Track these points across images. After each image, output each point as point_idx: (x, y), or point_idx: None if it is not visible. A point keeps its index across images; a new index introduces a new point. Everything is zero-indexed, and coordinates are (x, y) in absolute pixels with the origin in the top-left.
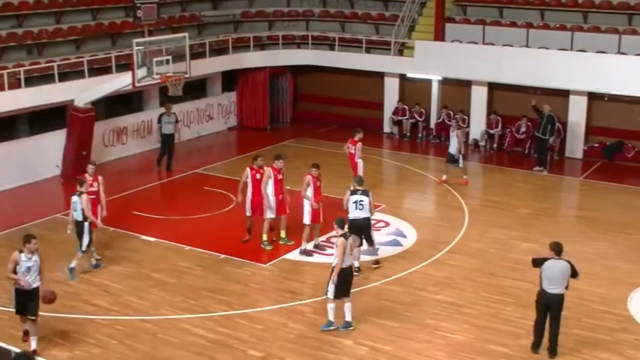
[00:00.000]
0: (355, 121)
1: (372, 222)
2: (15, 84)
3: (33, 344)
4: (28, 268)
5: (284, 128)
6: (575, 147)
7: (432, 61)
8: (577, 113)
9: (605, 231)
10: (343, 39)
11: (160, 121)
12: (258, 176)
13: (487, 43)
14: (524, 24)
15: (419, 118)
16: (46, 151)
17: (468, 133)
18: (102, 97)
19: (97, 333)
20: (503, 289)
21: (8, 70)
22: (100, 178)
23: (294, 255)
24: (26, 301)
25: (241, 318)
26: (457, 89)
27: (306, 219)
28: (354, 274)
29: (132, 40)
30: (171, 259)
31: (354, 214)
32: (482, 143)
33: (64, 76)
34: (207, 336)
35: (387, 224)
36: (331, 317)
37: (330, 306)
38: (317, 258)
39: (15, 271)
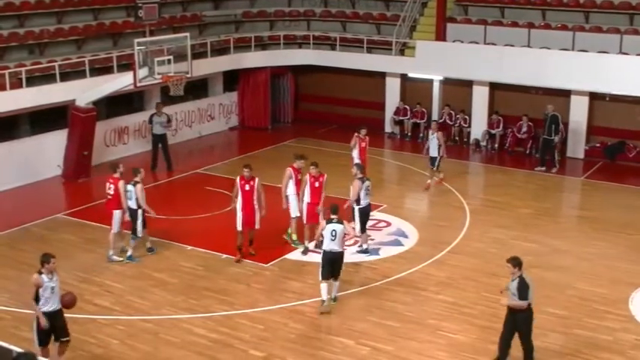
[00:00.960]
0: (356, 121)
1: (374, 222)
2: (16, 84)
3: None
4: (52, 289)
5: (285, 128)
6: (577, 147)
7: (433, 61)
8: (578, 113)
9: (606, 231)
10: (344, 39)
11: (150, 121)
12: (247, 187)
13: (488, 43)
14: (526, 24)
15: (420, 120)
16: (48, 151)
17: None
18: (103, 96)
19: (99, 333)
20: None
21: (10, 70)
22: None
23: (295, 255)
24: (54, 325)
25: (242, 318)
26: (458, 89)
27: (293, 213)
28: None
29: (133, 39)
30: (172, 259)
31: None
32: (483, 143)
33: (66, 76)
34: (208, 336)
35: (389, 224)
36: (365, 246)
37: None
38: (317, 258)
39: (37, 297)
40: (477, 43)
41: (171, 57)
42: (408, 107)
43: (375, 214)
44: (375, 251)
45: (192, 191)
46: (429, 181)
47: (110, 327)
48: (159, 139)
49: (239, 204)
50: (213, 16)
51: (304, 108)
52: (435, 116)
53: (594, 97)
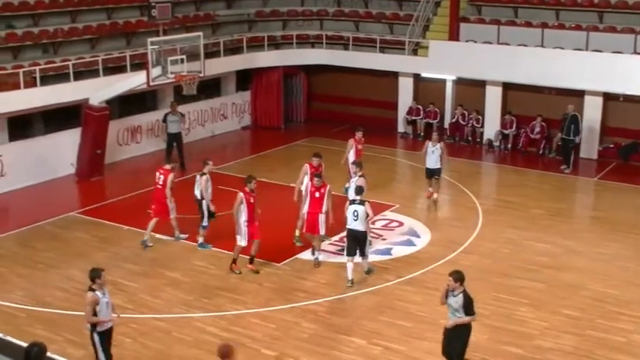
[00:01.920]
0: (369, 121)
1: (386, 222)
2: (30, 83)
3: None
4: (107, 304)
5: (298, 128)
6: (590, 147)
7: (446, 61)
8: (592, 114)
9: (619, 232)
10: (357, 38)
11: (165, 120)
12: (252, 200)
13: (502, 43)
14: (539, 24)
15: (433, 120)
16: (61, 150)
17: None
18: (116, 95)
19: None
20: (517, 289)
21: (24, 69)
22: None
23: (307, 254)
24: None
25: (255, 317)
26: (471, 89)
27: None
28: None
29: (146, 39)
30: (185, 258)
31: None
32: (496, 143)
33: (79, 75)
34: (220, 335)
35: (401, 224)
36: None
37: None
38: (329, 257)
39: (95, 314)
40: (490, 43)
41: (184, 56)
42: (420, 107)
43: (387, 214)
44: (388, 251)
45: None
46: (434, 193)
47: (123, 325)
48: (174, 138)
49: (243, 219)
50: (226, 15)
51: (317, 107)
52: (447, 116)
53: (608, 97)
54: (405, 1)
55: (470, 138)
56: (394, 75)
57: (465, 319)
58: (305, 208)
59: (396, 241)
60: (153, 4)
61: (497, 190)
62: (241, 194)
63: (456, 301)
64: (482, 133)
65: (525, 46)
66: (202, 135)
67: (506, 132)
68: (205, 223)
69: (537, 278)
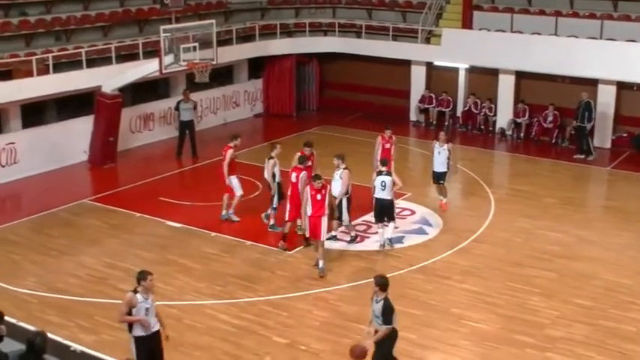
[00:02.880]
0: (381, 110)
1: (398, 210)
2: (43, 70)
3: None
4: (147, 310)
5: (310, 116)
6: (604, 136)
7: (459, 49)
8: (606, 103)
9: (632, 221)
10: (370, 26)
11: (177, 108)
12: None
13: (515, 31)
14: (553, 12)
15: (445, 109)
16: (74, 137)
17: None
18: (129, 83)
19: None
20: (529, 278)
21: (37, 57)
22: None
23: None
24: (154, 349)
25: (266, 304)
26: (484, 77)
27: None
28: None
29: (159, 26)
30: (197, 245)
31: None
32: (509, 132)
33: (92, 63)
34: (232, 322)
35: (413, 212)
36: (354, 233)
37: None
38: (343, 246)
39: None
40: (503, 31)
41: (196, 44)
42: (433, 95)
43: (399, 203)
44: (399, 239)
45: (217, 178)
46: (444, 200)
47: None
48: (186, 126)
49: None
50: (239, 3)
51: (329, 95)
52: (460, 105)
53: (622, 86)
54: None
55: (482, 127)
56: (407, 63)
57: (383, 330)
58: (308, 211)
59: (408, 229)
60: None
61: (510, 179)
62: (305, 173)
63: (378, 307)
64: (494, 122)
65: (539, 34)
66: (214, 123)
67: (518, 121)
68: (275, 205)
69: (549, 267)
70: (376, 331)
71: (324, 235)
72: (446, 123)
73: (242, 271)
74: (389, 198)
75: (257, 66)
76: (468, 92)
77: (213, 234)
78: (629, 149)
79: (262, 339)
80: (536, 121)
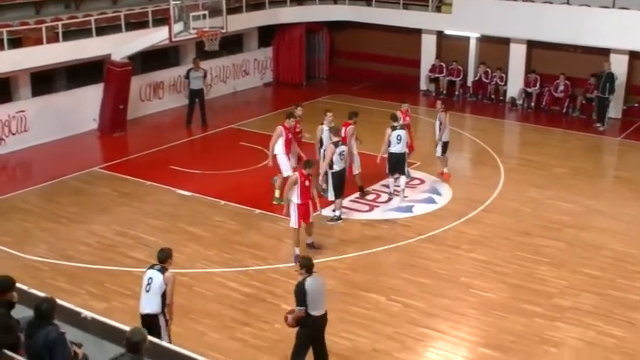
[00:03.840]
0: (392, 79)
1: (408, 179)
2: (53, 38)
3: None
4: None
5: (320, 84)
6: (615, 106)
7: (470, 18)
8: (617, 72)
9: None
10: None
11: (187, 76)
12: (290, 136)
13: (527, 0)
14: None
15: (456, 78)
16: (84, 105)
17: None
18: (139, 51)
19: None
20: (538, 248)
21: (46, 24)
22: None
23: (328, 212)
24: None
25: (275, 273)
26: (495, 47)
27: (285, 172)
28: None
29: None
30: (206, 214)
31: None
32: (519, 102)
33: (101, 31)
34: (241, 290)
35: (422, 182)
36: (338, 212)
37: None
38: (353, 215)
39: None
40: (515, 0)
41: (206, 12)
42: (443, 65)
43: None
44: (409, 209)
45: (227, 146)
46: (445, 170)
47: None
48: (196, 94)
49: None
50: None
51: (339, 64)
52: (470, 74)
53: (634, 55)
54: None
55: (493, 96)
56: (417, 32)
57: (292, 316)
58: (295, 200)
59: (417, 198)
60: None
61: (520, 148)
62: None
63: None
64: (505, 92)
65: (551, 3)
66: (224, 91)
67: (529, 90)
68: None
69: (558, 237)
70: None
71: (311, 217)
72: (456, 92)
73: (251, 239)
74: (403, 152)
75: (267, 34)
76: (479, 61)
77: (223, 202)
78: None
79: (271, 306)
80: (547, 91)
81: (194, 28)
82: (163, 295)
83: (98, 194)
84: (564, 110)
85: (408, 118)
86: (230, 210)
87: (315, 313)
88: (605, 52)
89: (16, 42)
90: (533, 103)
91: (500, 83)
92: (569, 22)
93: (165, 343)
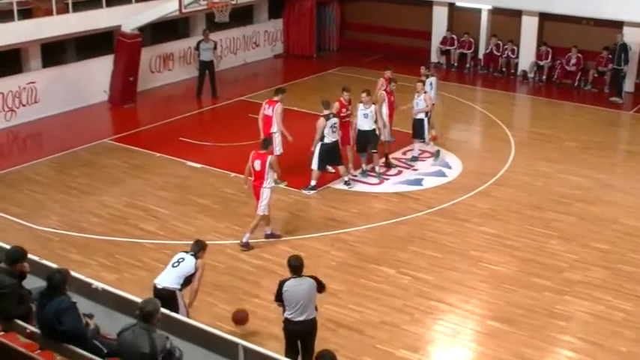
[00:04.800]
0: (402, 51)
1: (418, 153)
2: (63, 9)
3: None
4: None
5: (330, 56)
6: (627, 80)
7: None
8: (630, 45)
9: None
10: None
11: (197, 47)
12: (344, 111)
13: None
14: None
15: (467, 50)
16: (94, 77)
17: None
18: (149, 23)
19: (145, 256)
20: (548, 222)
21: None
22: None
23: (338, 184)
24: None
25: (285, 245)
26: (507, 19)
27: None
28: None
29: None
30: (216, 186)
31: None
32: (531, 75)
33: (112, 2)
34: (251, 262)
35: (432, 155)
36: (313, 182)
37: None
38: (362, 187)
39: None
40: None
41: None
42: (455, 37)
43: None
44: (419, 181)
45: (237, 118)
46: (433, 132)
47: (156, 251)
48: (206, 66)
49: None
50: None
51: (349, 36)
52: (482, 47)
53: None
54: None
55: (504, 69)
56: (428, 4)
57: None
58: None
59: (427, 171)
60: None
61: (531, 122)
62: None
63: None
64: (516, 65)
65: None
66: (234, 63)
67: (541, 63)
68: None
69: (569, 211)
70: None
71: (262, 209)
72: (467, 65)
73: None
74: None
75: (277, 6)
76: (490, 34)
77: (233, 174)
78: None
79: (280, 278)
80: (559, 64)
81: (204, 0)
82: (186, 279)
83: (108, 166)
84: (576, 84)
85: (388, 86)
86: (240, 182)
87: (290, 316)
88: (618, 25)
89: (26, 13)
90: (544, 77)
91: (511, 56)
92: None
93: (175, 315)
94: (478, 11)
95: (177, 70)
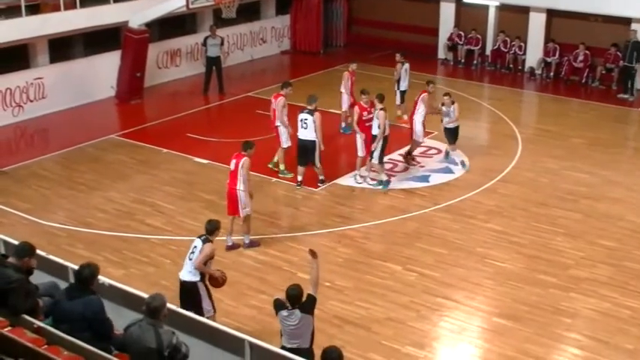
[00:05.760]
0: (409, 47)
1: (425, 149)
2: (70, 5)
3: None
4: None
5: (337, 52)
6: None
7: None
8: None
9: None
10: None
11: (205, 43)
12: (365, 114)
13: None
14: None
15: (474, 47)
16: (101, 72)
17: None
18: (156, 18)
19: (151, 252)
20: (554, 219)
21: None
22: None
23: (345, 180)
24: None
25: (291, 241)
26: (514, 15)
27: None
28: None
29: None
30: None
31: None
32: (538, 71)
33: None
34: (257, 257)
35: (439, 151)
36: (384, 177)
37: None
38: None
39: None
40: None
41: None
42: (462, 33)
43: (425, 141)
44: (425, 178)
45: (243, 114)
46: (405, 116)
47: (162, 247)
48: (213, 62)
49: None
50: None
51: (357, 32)
52: (489, 43)
53: None
54: None
55: (511, 66)
56: (436, 0)
57: None
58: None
59: (434, 168)
60: None
61: (538, 118)
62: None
63: None
64: (524, 61)
65: None
66: (241, 59)
67: (548, 60)
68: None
69: (575, 208)
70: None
71: (242, 211)
72: (474, 61)
73: (267, 207)
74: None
75: (284, 2)
76: (498, 30)
77: None
78: None
79: (287, 275)
80: (567, 61)
81: None
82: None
83: (115, 162)
84: (583, 80)
85: (353, 78)
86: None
87: (285, 342)
88: (626, 22)
89: (34, 9)
90: (552, 73)
91: (519, 52)
92: None
93: (182, 310)
94: (486, 7)
95: (185, 66)
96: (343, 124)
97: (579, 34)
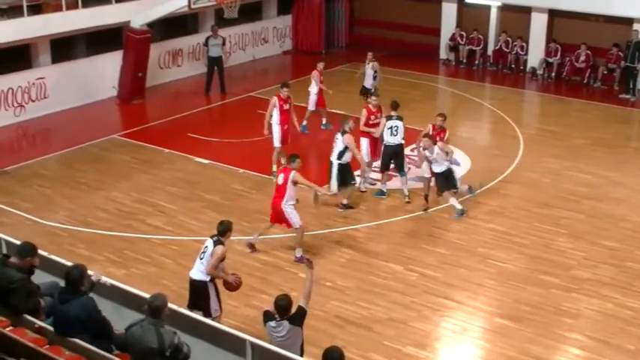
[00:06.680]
0: (411, 47)
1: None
2: (72, 5)
3: None
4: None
5: (339, 52)
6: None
7: None
8: None
9: None
10: None
11: (206, 43)
12: (286, 106)
13: None
14: None
15: (476, 47)
16: (103, 72)
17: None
18: (158, 19)
19: (153, 252)
20: (556, 219)
21: None
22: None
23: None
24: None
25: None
26: (516, 15)
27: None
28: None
29: None
30: (224, 182)
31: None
32: (540, 72)
33: None
34: (259, 258)
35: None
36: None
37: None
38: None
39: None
40: None
41: None
42: (464, 33)
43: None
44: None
45: (245, 114)
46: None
47: (164, 247)
48: (215, 62)
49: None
50: None
51: (359, 32)
52: (491, 43)
53: None
54: None
55: (513, 66)
56: (438, 0)
57: None
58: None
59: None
60: None
61: (540, 119)
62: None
63: None
64: (526, 61)
65: None
66: (243, 59)
67: (550, 60)
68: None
69: (577, 209)
70: None
71: (295, 222)
72: (476, 61)
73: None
74: (399, 143)
75: (286, 2)
76: (500, 30)
77: (241, 170)
78: None
79: (289, 275)
80: (568, 61)
81: None
82: None
83: (117, 161)
84: (585, 81)
85: (322, 78)
86: (248, 178)
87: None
88: (628, 22)
89: (36, 8)
90: (553, 73)
91: (520, 53)
92: None
93: (183, 310)
94: (487, 8)
95: (186, 66)
96: (305, 122)
97: (581, 35)
